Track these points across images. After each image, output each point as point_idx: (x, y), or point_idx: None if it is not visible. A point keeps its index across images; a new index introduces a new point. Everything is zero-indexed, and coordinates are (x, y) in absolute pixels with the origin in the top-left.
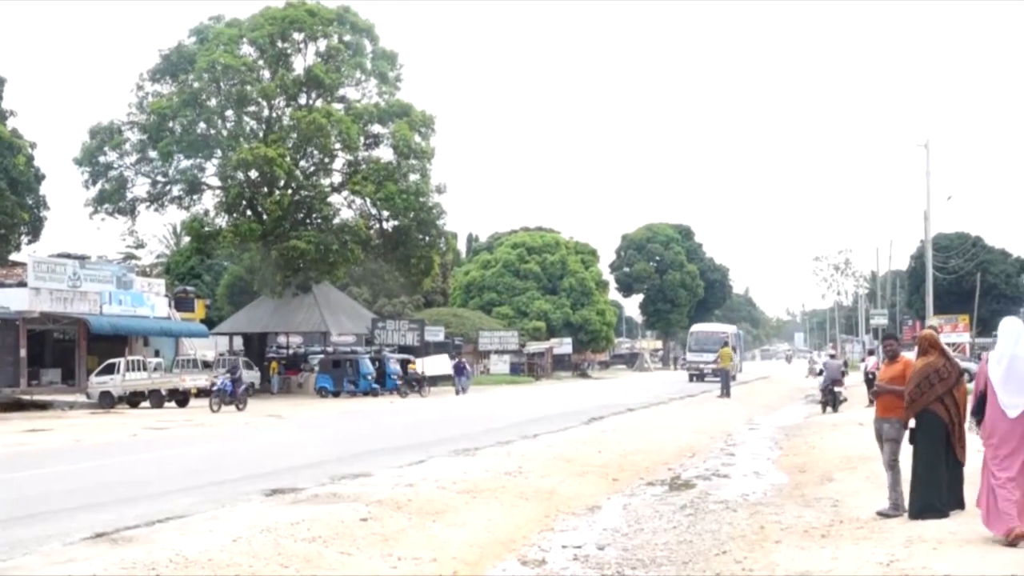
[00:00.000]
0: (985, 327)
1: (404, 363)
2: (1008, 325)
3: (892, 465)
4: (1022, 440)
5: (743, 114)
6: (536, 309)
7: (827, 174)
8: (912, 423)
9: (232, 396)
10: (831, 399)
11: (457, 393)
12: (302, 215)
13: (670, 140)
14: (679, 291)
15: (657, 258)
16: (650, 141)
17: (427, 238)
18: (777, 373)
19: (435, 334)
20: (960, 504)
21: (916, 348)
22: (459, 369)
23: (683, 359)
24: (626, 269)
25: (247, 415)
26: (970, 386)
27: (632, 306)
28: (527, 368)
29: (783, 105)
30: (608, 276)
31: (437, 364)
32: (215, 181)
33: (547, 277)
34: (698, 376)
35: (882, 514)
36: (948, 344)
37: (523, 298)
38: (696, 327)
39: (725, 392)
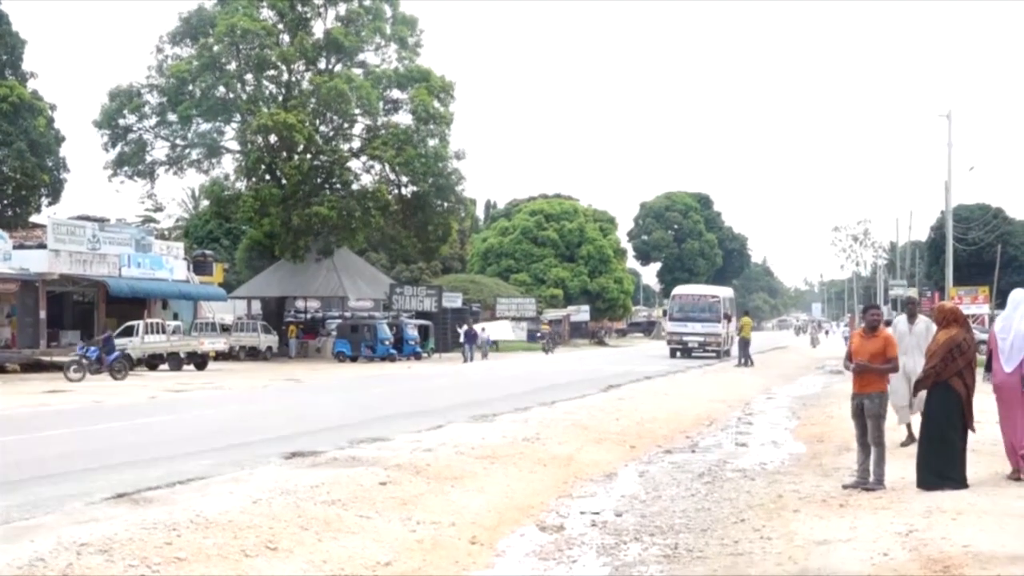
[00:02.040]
0: (1004, 299)
1: (423, 328)
2: (1017, 296)
3: (878, 441)
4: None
5: (764, 82)
6: (554, 276)
7: (847, 144)
8: (923, 393)
9: (99, 364)
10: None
11: (465, 360)
12: (321, 180)
13: (690, 108)
14: (697, 260)
15: (675, 227)
16: (670, 109)
17: (445, 204)
18: (793, 343)
19: (453, 300)
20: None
21: (935, 320)
22: (470, 336)
23: (662, 329)
24: (644, 237)
25: (265, 379)
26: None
27: (650, 274)
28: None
29: (804, 74)
30: (626, 244)
31: (499, 330)
32: (234, 145)
33: (565, 244)
34: (682, 351)
35: (852, 487)
36: (967, 316)
37: (541, 265)
38: (679, 289)
39: (745, 362)
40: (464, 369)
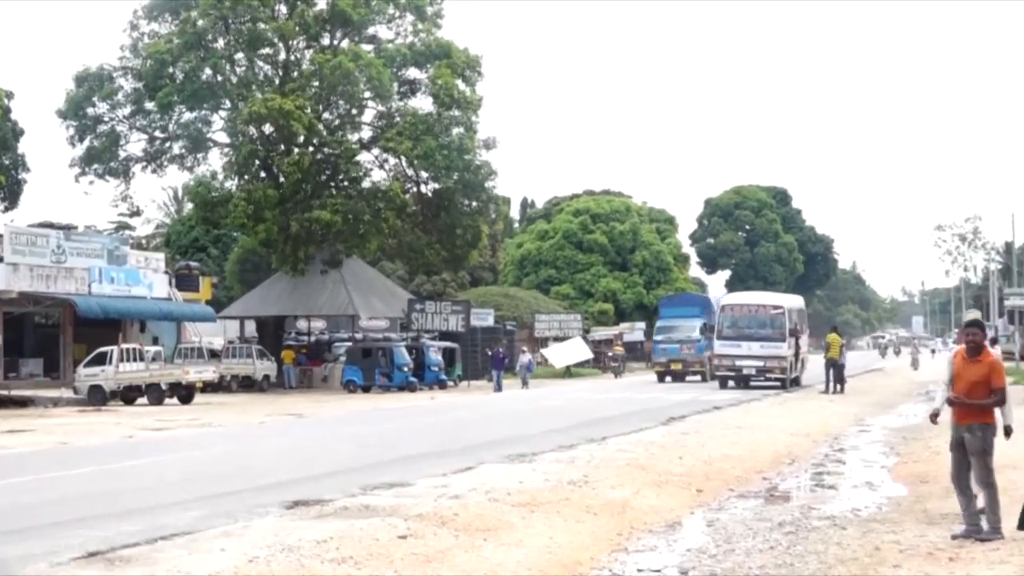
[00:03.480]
0: None
1: (448, 351)
2: None
3: (986, 481)
4: None
5: (848, 59)
6: (603, 288)
7: (951, 129)
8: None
9: None
10: None
11: (496, 390)
12: (326, 177)
13: (761, 89)
14: (773, 266)
15: (747, 227)
16: (738, 90)
17: (473, 204)
18: (890, 365)
19: (483, 318)
20: None
21: None
22: (497, 360)
23: (623, 355)
24: (710, 240)
25: (262, 413)
26: None
27: (717, 284)
28: (595, 359)
29: (897, 49)
30: (688, 249)
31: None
32: (223, 138)
33: (616, 250)
34: (735, 380)
35: (963, 537)
36: None
37: (587, 275)
38: (730, 298)
39: (834, 387)
40: (497, 399)
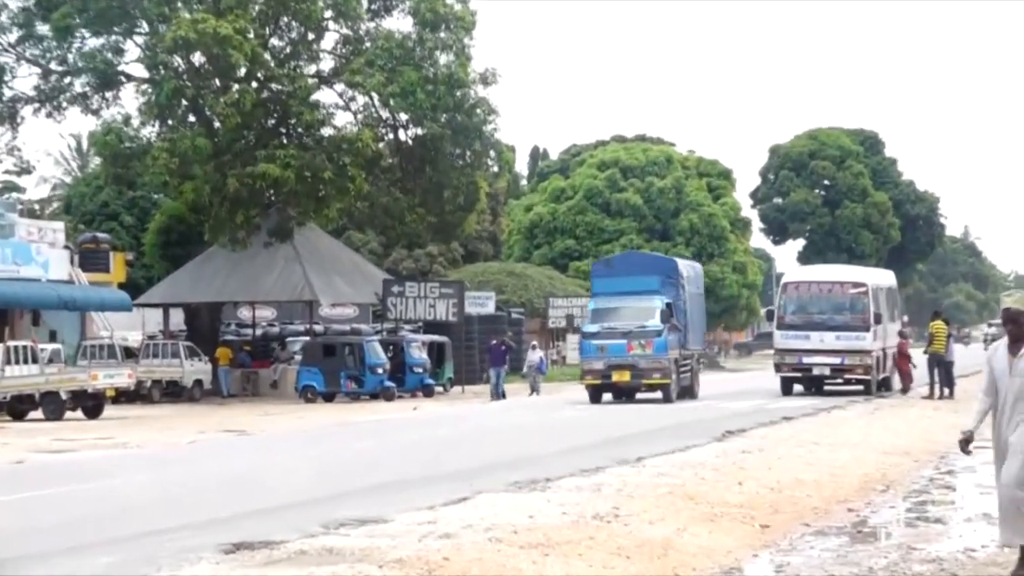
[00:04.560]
0: None
1: (436, 347)
2: None
3: None
4: None
5: None
6: None
7: None
8: None
9: None
10: None
11: (493, 397)
12: (274, 122)
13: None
14: (860, 233)
15: (825, 183)
16: (810, 6)
17: (468, 155)
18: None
19: (481, 304)
20: None
21: None
22: (497, 355)
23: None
24: (777, 201)
25: (193, 430)
26: None
27: (787, 256)
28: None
29: None
30: (749, 211)
31: None
32: (139, 71)
33: (654, 214)
34: (804, 382)
35: None
36: None
37: (616, 246)
38: (795, 274)
39: (941, 390)
40: (499, 409)
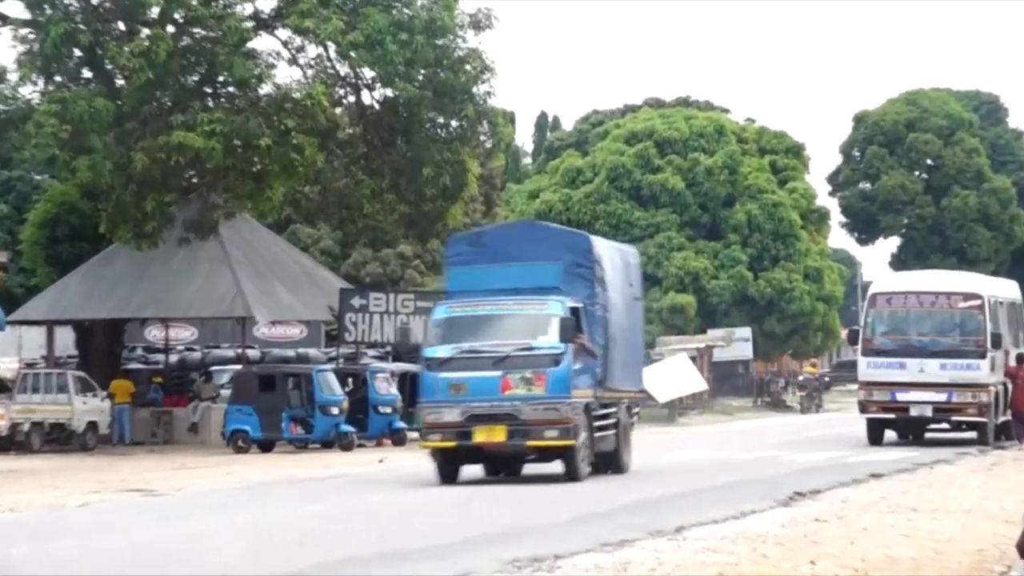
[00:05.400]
0: None
1: (410, 379)
2: None
3: None
4: None
5: None
6: (677, 268)
7: None
8: None
9: None
10: None
11: None
12: (197, 79)
13: None
14: (974, 230)
15: (928, 162)
16: None
17: (453, 124)
18: None
19: None
20: None
21: None
22: None
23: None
24: (864, 186)
25: (84, 489)
26: None
27: (876, 260)
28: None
29: None
30: (827, 200)
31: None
32: (16, 10)
33: (700, 202)
34: (899, 426)
35: None
36: None
37: (650, 245)
38: (886, 284)
39: None
40: None
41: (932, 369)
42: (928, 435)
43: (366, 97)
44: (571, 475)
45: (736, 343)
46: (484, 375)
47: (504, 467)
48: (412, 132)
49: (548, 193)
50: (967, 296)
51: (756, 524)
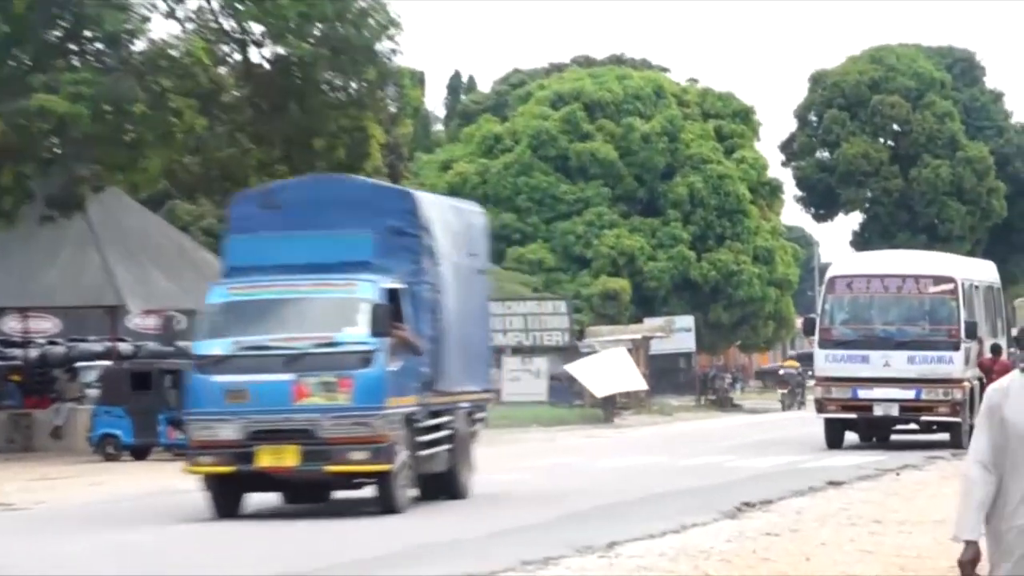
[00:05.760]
0: None
1: None
2: None
3: None
4: None
5: None
6: (609, 248)
7: None
8: None
9: None
10: None
11: None
12: (60, 35)
13: None
14: (946, 204)
15: (895, 128)
16: None
17: (352, 86)
18: None
19: None
20: None
21: None
22: None
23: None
24: (823, 155)
25: None
26: None
27: (836, 239)
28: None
29: None
30: (780, 171)
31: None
32: None
33: (635, 173)
34: (865, 426)
35: None
36: None
37: (578, 223)
38: (847, 266)
39: None
40: None
41: (898, 363)
42: (894, 437)
43: (254, 55)
44: (386, 505)
45: (677, 334)
46: (271, 379)
47: (303, 495)
48: (306, 95)
49: (462, 164)
50: (938, 279)
51: (699, 539)
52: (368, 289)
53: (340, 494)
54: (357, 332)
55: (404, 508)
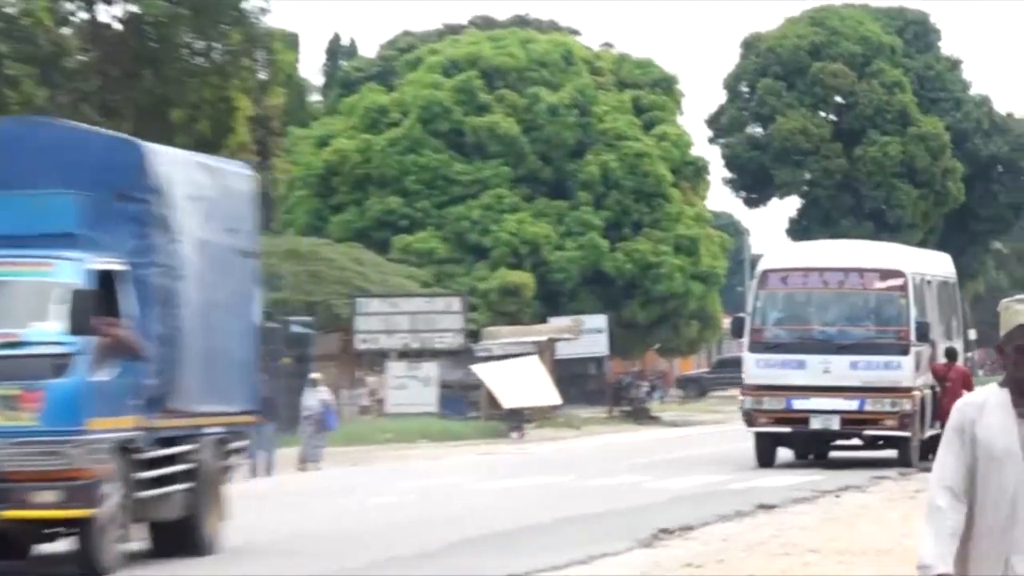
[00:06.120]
0: None
1: None
2: None
3: None
4: None
5: None
6: (509, 236)
7: None
8: None
9: None
10: None
11: (255, 473)
12: None
13: None
14: (896, 187)
15: (838, 100)
16: None
17: (214, 48)
18: None
19: None
20: None
21: None
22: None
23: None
24: (754, 131)
25: None
26: None
27: (770, 227)
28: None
29: None
30: (706, 148)
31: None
32: None
33: (540, 151)
34: (801, 441)
35: None
36: None
37: (474, 207)
38: (781, 258)
39: None
40: (258, 494)
41: (840, 369)
42: (834, 454)
43: (102, 14)
44: (87, 565)
45: (586, 335)
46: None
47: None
48: (163, 61)
49: (342, 139)
50: (886, 273)
51: (610, 570)
52: (68, 270)
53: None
54: (50, 328)
55: (113, 568)
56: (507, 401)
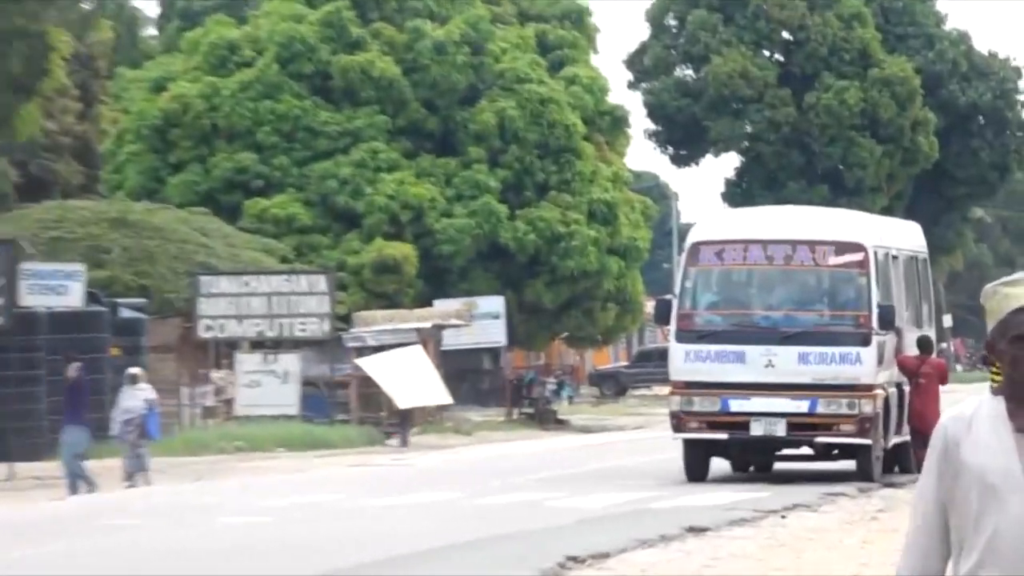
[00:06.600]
0: None
1: None
2: None
3: None
4: None
5: None
6: (386, 200)
7: None
8: None
9: None
10: None
11: (74, 489)
12: None
13: None
14: (856, 143)
15: (785, 36)
16: None
17: None
18: None
19: (55, 288)
20: None
21: None
22: (78, 397)
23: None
24: (684, 73)
25: None
26: None
27: (702, 190)
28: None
29: None
30: (625, 95)
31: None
32: None
33: (423, 96)
34: (740, 449)
35: None
36: None
37: (344, 164)
38: (715, 228)
39: None
40: (73, 516)
41: (786, 362)
42: (779, 466)
43: None
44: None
45: (480, 321)
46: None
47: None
48: None
49: (182, 83)
50: (842, 247)
51: None
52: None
53: None
54: None
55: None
56: (402, 401)
